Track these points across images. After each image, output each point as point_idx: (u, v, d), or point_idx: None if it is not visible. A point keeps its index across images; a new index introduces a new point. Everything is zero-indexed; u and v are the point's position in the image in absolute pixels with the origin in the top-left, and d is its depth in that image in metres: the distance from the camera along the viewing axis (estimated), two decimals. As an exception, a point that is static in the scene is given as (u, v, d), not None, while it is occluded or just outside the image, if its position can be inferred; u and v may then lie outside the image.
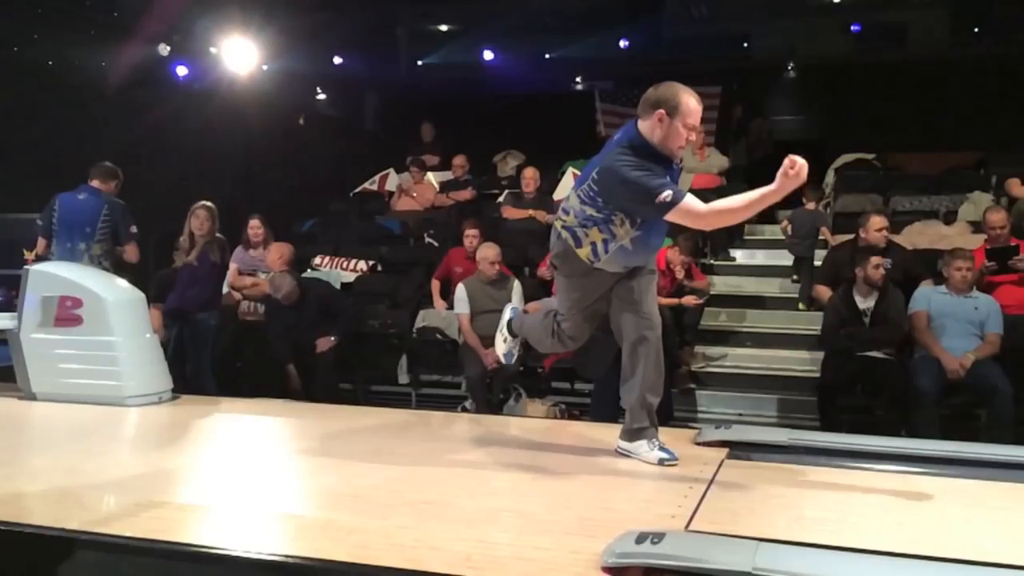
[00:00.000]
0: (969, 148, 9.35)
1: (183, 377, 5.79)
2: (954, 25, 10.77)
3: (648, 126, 3.38)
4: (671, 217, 3.31)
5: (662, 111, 3.33)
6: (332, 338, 6.46)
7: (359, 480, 3.37)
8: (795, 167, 3.12)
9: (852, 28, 11.34)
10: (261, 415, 4.90)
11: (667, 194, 3.24)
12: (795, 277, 7.82)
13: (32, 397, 5.12)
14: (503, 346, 4.19)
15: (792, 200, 7.85)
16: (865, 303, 5.80)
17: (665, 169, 3.38)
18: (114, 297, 5.13)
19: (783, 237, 8.15)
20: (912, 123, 10.00)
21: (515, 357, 4.27)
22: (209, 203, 6.24)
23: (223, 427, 4.84)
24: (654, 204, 3.26)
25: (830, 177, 9.25)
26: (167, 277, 6.53)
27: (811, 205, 7.76)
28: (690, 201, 3.28)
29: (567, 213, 3.55)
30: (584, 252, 3.50)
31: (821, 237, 7.61)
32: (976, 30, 10.59)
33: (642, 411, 3.59)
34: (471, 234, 7.02)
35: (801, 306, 7.48)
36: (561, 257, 3.60)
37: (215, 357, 6.28)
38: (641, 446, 3.59)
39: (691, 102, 3.37)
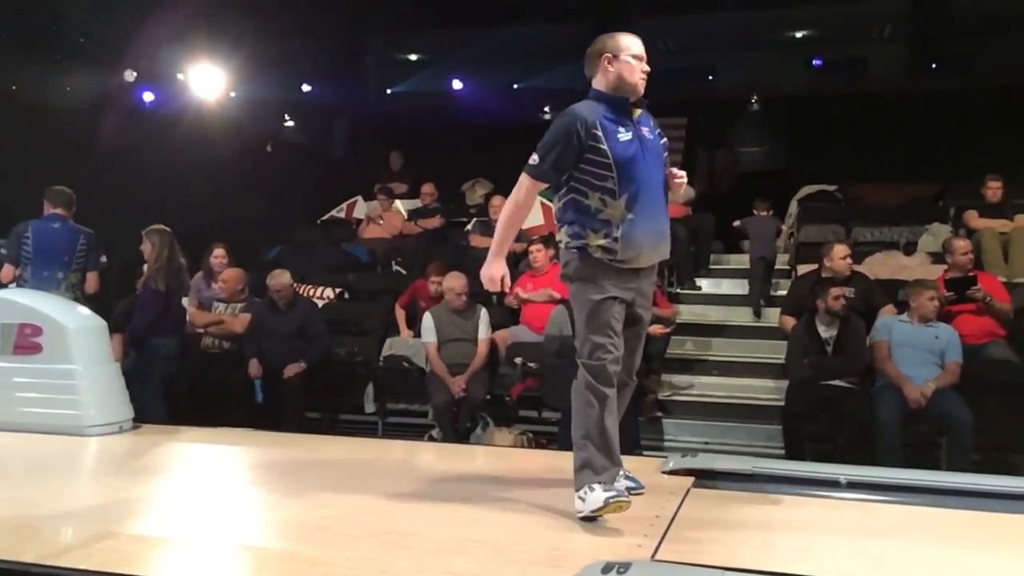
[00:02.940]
0: (928, 180, 9.55)
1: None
2: (913, 60, 11.02)
3: (600, 77, 3.33)
4: (520, 182, 3.29)
5: (607, 54, 3.30)
6: (301, 364, 6.45)
7: (323, 511, 3.33)
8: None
9: (814, 62, 11.58)
10: (224, 444, 4.84)
11: (533, 158, 3.25)
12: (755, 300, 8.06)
13: (-12, 427, 5.01)
14: (581, 503, 3.12)
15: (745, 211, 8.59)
16: (827, 332, 5.88)
17: (632, 124, 3.26)
18: (75, 325, 5.05)
19: (749, 267, 8.49)
20: (872, 155, 10.19)
21: (603, 504, 3.04)
22: (162, 227, 6.06)
23: (185, 457, 4.76)
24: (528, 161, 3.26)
25: (793, 207, 9.39)
26: (128, 305, 6.45)
27: (764, 213, 8.64)
28: (524, 180, 3.28)
29: (559, 228, 3.37)
30: (599, 255, 3.19)
31: (779, 242, 8.24)
32: (934, 65, 10.85)
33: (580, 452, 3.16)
34: (435, 280, 6.87)
35: (761, 303, 7.90)
36: (574, 263, 3.25)
37: (165, 384, 6.14)
38: (586, 491, 3.11)
39: (628, 37, 3.35)
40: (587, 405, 3.14)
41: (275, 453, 4.58)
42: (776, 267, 8.56)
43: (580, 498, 3.11)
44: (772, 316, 7.29)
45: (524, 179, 3.28)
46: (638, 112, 3.33)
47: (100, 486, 4.08)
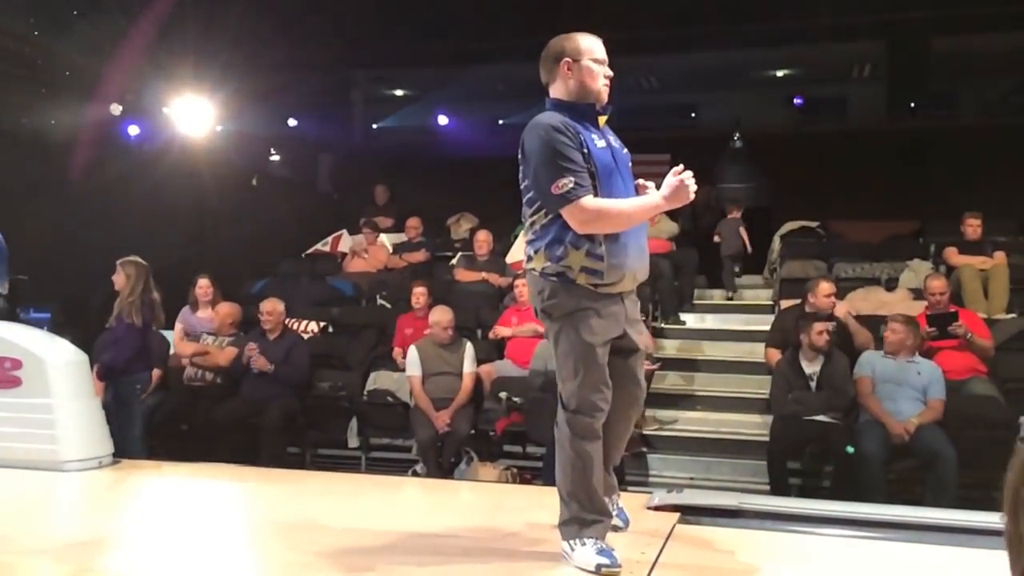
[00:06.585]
0: (907, 217, 9.66)
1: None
2: (891, 99, 11.21)
3: (559, 84, 3.04)
4: (565, 213, 2.87)
5: (566, 59, 3.00)
6: (270, 365, 6.53)
7: (307, 548, 3.28)
8: (681, 171, 2.93)
9: (795, 101, 11.77)
10: (205, 480, 4.78)
11: (567, 181, 2.82)
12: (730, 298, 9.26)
13: (-37, 462, 4.92)
14: (569, 551, 2.98)
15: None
16: (811, 368, 5.91)
17: (600, 132, 3.02)
18: (55, 359, 4.99)
19: (732, 301, 9.01)
20: (853, 192, 10.31)
21: (594, 571, 2.86)
22: (138, 259, 5.76)
23: (165, 493, 4.70)
24: (549, 192, 2.85)
25: (776, 244, 9.47)
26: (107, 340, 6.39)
27: (733, 214, 9.69)
28: (579, 206, 2.83)
29: (530, 259, 3.04)
30: (583, 280, 2.91)
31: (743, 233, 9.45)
32: (912, 104, 11.04)
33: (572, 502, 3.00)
34: (419, 292, 7.12)
35: (730, 294, 9.18)
36: (556, 296, 2.94)
37: (145, 419, 6.04)
38: (575, 544, 2.98)
39: (588, 38, 3.05)
40: (571, 463, 2.94)
41: (258, 489, 4.53)
42: (759, 302, 8.99)
43: (568, 547, 2.98)
44: (756, 351, 7.31)
45: (577, 207, 2.85)
46: (603, 120, 3.08)
47: (78, 522, 4.03)
